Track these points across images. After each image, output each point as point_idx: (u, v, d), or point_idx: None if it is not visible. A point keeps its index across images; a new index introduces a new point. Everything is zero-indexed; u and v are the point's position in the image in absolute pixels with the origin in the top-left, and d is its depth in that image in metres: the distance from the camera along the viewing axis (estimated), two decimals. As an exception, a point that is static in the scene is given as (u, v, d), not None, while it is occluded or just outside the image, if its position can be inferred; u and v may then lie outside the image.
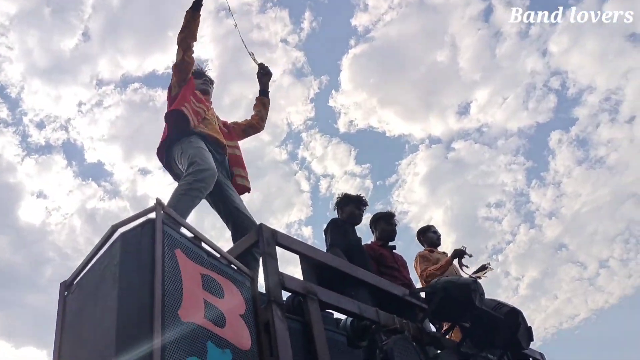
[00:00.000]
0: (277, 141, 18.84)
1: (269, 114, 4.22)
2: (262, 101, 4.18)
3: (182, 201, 3.00)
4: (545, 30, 16.18)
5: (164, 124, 3.55)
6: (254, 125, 4.13)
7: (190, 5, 3.55)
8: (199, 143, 3.35)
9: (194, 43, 3.58)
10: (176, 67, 3.57)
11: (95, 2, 16.26)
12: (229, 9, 3.97)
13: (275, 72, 4.11)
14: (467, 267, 5.37)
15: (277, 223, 18.98)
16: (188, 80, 3.60)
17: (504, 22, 16.98)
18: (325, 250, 4.29)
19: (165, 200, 3.00)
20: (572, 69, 17.11)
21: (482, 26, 17.74)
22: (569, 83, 17.47)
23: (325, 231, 4.39)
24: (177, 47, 3.55)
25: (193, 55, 3.60)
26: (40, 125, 16.73)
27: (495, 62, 18.22)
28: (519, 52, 17.70)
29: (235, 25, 4.03)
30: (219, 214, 3.53)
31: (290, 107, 18.12)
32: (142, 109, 17.91)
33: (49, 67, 16.91)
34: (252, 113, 4.19)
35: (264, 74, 4.16)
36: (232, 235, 3.43)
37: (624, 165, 18.27)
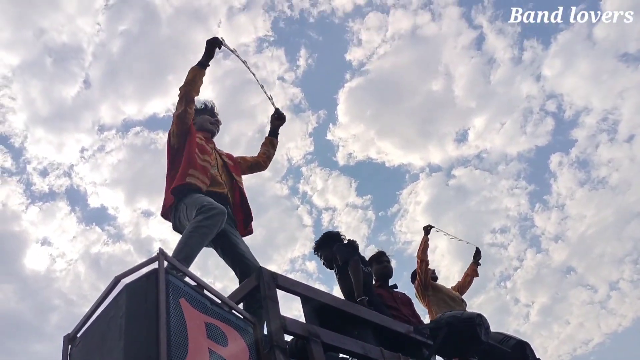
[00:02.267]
0: (278, 177, 18.99)
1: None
2: (272, 142, 4.33)
3: (192, 238, 3.03)
4: (538, 55, 16.47)
5: (166, 189, 3.55)
6: (260, 164, 4.25)
7: (198, 62, 3.63)
8: (202, 195, 3.39)
9: (196, 97, 3.67)
10: (178, 118, 3.59)
11: (96, 49, 16.61)
12: (246, 64, 4.12)
13: (273, 109, 4.28)
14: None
15: (281, 259, 18.94)
16: (189, 130, 3.63)
17: (496, 49, 17.31)
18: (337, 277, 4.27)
19: (174, 243, 3.04)
20: (567, 91, 17.39)
21: (475, 54, 18.12)
22: (565, 105, 17.69)
23: (334, 252, 4.36)
24: (179, 98, 3.59)
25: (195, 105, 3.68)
26: (44, 173, 16.92)
27: (490, 89, 18.50)
28: (514, 77, 18.04)
29: (259, 83, 4.17)
30: (226, 261, 3.54)
31: (290, 142, 18.34)
32: (143, 151, 18.14)
33: (51, 115, 17.20)
34: (260, 151, 4.30)
35: (277, 118, 4.34)
36: (239, 282, 3.42)
37: (626, 185, 18.32)
